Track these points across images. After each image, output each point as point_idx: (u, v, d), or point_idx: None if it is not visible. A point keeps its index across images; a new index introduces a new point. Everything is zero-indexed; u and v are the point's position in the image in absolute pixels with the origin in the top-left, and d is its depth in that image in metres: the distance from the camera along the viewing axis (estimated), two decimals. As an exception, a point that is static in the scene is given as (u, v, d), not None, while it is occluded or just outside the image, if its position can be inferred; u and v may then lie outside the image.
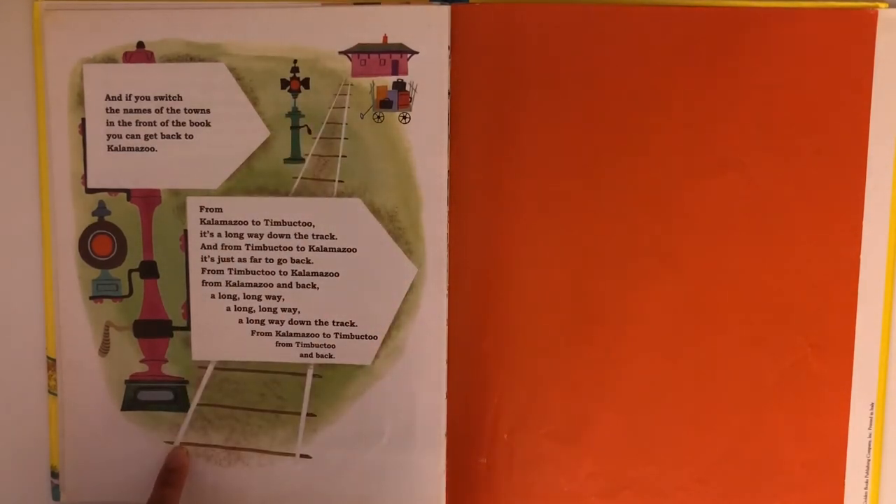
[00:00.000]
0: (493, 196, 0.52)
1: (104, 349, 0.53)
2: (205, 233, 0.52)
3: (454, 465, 0.53)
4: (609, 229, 0.52)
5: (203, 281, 0.53)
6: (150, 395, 0.54)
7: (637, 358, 0.52)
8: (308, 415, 0.53)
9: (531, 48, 0.51)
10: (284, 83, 0.51)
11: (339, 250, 0.52)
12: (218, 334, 0.53)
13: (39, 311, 0.53)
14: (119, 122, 0.52)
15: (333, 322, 0.52)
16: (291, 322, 0.53)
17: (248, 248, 0.52)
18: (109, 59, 0.52)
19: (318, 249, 0.52)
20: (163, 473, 0.52)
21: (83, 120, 0.52)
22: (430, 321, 0.52)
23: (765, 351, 0.52)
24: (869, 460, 0.52)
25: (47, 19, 0.52)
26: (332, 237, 0.52)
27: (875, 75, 0.50)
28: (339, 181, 0.52)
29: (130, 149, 0.52)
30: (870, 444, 0.52)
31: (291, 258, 0.52)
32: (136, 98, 0.52)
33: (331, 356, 0.53)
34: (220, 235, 0.52)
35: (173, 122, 0.52)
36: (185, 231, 0.52)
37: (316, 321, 0.53)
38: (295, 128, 0.52)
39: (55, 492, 0.55)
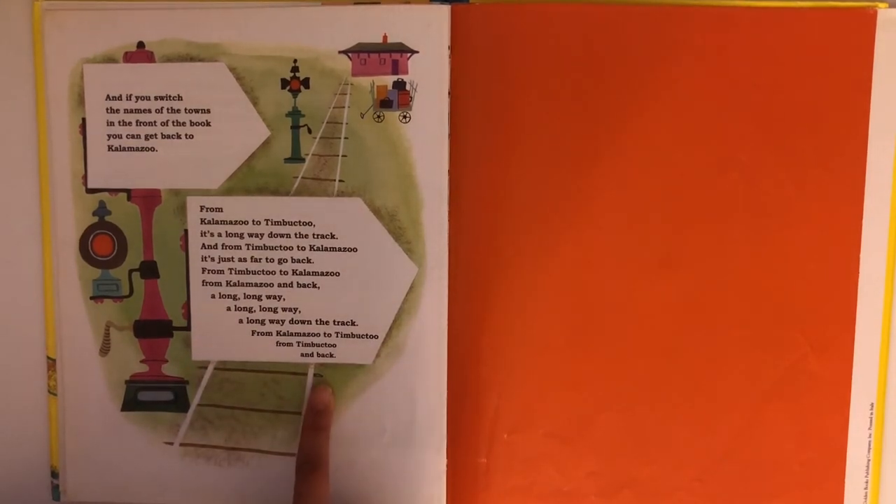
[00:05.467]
0: (493, 196, 0.52)
1: (104, 349, 0.53)
2: (205, 233, 0.52)
3: (454, 464, 0.53)
4: (609, 229, 0.52)
5: (203, 281, 0.53)
6: (151, 395, 0.54)
7: (637, 358, 0.52)
8: (309, 415, 0.53)
9: (531, 48, 0.51)
10: (284, 83, 0.51)
11: (340, 250, 0.52)
12: (218, 334, 0.53)
13: (39, 311, 0.53)
14: (119, 121, 0.52)
15: (334, 321, 0.52)
16: (292, 322, 0.53)
17: (248, 248, 0.52)
18: (110, 59, 0.52)
19: (318, 249, 0.52)
20: (309, 416, 0.52)
21: (83, 120, 0.52)
22: (431, 320, 0.52)
23: (765, 351, 0.52)
24: (869, 460, 0.53)
25: (47, 19, 0.52)
26: (332, 237, 0.52)
27: (874, 75, 0.50)
28: (340, 181, 0.52)
29: (131, 149, 0.52)
30: (870, 444, 0.52)
31: (292, 258, 0.52)
32: (137, 98, 0.52)
33: (331, 356, 0.53)
34: (220, 235, 0.52)
35: (174, 121, 0.52)
36: (186, 231, 0.52)
37: (316, 321, 0.53)
38: (295, 127, 0.52)
39: (55, 492, 0.55)
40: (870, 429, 0.52)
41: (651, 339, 0.52)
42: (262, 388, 0.53)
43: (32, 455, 0.55)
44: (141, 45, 0.51)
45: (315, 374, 0.53)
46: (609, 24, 0.51)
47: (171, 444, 0.54)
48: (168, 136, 0.52)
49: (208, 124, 0.52)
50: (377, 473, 0.53)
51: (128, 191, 0.52)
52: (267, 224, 0.52)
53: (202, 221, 0.52)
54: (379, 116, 0.51)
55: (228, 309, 0.53)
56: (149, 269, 0.53)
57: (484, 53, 0.51)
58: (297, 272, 0.52)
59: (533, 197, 0.52)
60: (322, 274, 0.52)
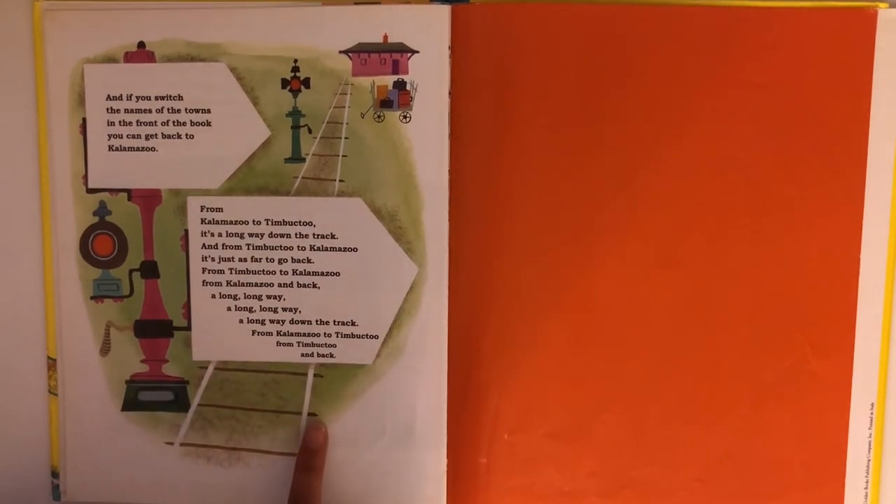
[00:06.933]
0: (493, 196, 0.52)
1: (105, 349, 0.53)
2: (205, 233, 0.52)
3: (454, 464, 0.53)
4: (609, 229, 0.52)
5: (204, 281, 0.53)
6: (151, 395, 0.54)
7: (637, 358, 0.52)
8: (309, 414, 0.53)
9: (531, 48, 0.51)
10: (285, 83, 0.51)
11: (340, 250, 0.52)
12: (218, 334, 0.53)
13: (40, 311, 0.53)
14: (120, 121, 0.52)
15: (334, 321, 0.52)
16: (292, 322, 0.53)
17: (248, 248, 0.52)
18: (110, 59, 0.52)
19: (318, 249, 0.52)
20: (302, 457, 0.52)
21: (84, 120, 0.52)
22: (431, 321, 0.52)
23: (765, 351, 0.52)
24: (869, 460, 0.53)
25: (48, 19, 0.52)
26: (332, 237, 0.52)
27: (875, 75, 0.50)
28: (340, 181, 0.52)
29: (131, 149, 0.52)
30: (870, 444, 0.52)
31: (292, 258, 0.52)
32: (137, 98, 0.52)
33: (332, 356, 0.53)
34: (220, 235, 0.52)
35: (174, 121, 0.52)
36: (186, 231, 0.53)
37: (317, 321, 0.53)
38: (295, 127, 0.52)
39: (55, 492, 0.55)
40: (870, 429, 0.52)
41: (651, 339, 0.52)
42: (263, 388, 0.53)
43: (33, 455, 0.55)
44: (141, 45, 0.51)
45: (315, 375, 0.53)
46: (609, 24, 0.51)
47: (172, 444, 0.54)
48: (168, 136, 0.52)
49: (208, 124, 0.52)
50: (377, 473, 0.53)
51: (128, 191, 0.52)
52: (267, 224, 0.52)
53: (202, 221, 0.52)
54: (379, 116, 0.51)
55: (229, 309, 0.53)
56: (149, 269, 0.53)
57: (484, 53, 0.51)
58: (298, 272, 0.52)
59: (533, 197, 0.52)
60: (322, 274, 0.52)
